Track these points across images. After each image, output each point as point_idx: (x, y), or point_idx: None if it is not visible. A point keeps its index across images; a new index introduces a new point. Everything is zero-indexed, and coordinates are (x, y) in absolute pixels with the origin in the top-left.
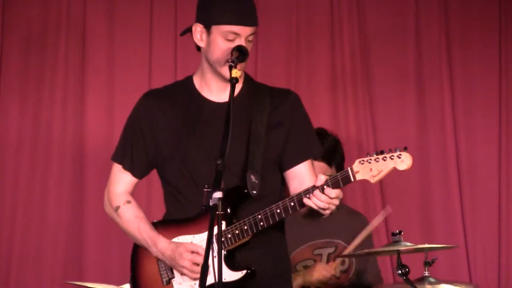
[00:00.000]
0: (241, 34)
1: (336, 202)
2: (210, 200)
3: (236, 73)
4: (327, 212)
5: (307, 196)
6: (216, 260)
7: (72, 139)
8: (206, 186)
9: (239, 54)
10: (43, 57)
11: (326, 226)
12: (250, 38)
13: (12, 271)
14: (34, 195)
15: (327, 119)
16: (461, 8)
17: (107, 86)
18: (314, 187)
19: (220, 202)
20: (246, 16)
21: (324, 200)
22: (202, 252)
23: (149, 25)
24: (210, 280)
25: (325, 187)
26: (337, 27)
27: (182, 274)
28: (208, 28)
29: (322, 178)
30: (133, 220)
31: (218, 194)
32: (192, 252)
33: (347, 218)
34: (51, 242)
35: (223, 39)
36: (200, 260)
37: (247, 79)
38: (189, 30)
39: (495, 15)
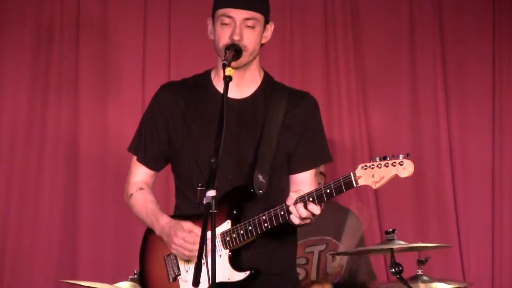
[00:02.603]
0: (235, 17)
1: (313, 218)
2: (204, 199)
3: (229, 71)
4: (302, 223)
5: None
6: (215, 261)
7: (66, 137)
8: (200, 184)
9: (234, 52)
10: (37, 56)
11: (318, 224)
12: (249, 23)
13: (6, 269)
14: (27, 193)
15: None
16: (455, 3)
17: (101, 85)
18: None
19: (213, 201)
20: None
21: (306, 216)
22: (198, 232)
23: (143, 24)
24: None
25: (308, 203)
26: (331, 26)
27: (174, 251)
28: (213, 18)
29: (293, 196)
30: (142, 203)
31: (211, 193)
32: (190, 231)
33: (337, 214)
34: (44, 240)
35: (220, 24)
36: (193, 239)
37: (266, 78)
38: None
39: (489, 10)
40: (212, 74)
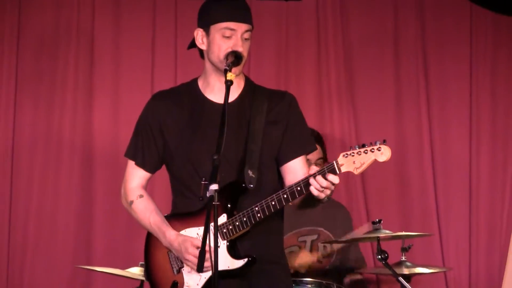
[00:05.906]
0: (237, 29)
1: (333, 187)
2: (207, 192)
3: (230, 76)
4: (322, 195)
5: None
6: (217, 248)
7: (82, 137)
8: (204, 179)
9: (234, 59)
10: (55, 62)
11: (310, 215)
12: (246, 35)
13: (27, 256)
14: (47, 188)
15: (314, 119)
16: (435, 15)
17: (114, 89)
18: (307, 177)
19: (216, 194)
20: (240, 14)
21: (326, 186)
22: (206, 247)
23: (152, 34)
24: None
25: (328, 173)
26: (323, 34)
27: (187, 265)
28: (207, 30)
29: (314, 168)
30: (145, 213)
31: (214, 186)
32: (198, 247)
33: (329, 208)
34: (62, 230)
35: (220, 36)
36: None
37: (248, 82)
38: (193, 43)
39: (467, 21)
40: (199, 82)
